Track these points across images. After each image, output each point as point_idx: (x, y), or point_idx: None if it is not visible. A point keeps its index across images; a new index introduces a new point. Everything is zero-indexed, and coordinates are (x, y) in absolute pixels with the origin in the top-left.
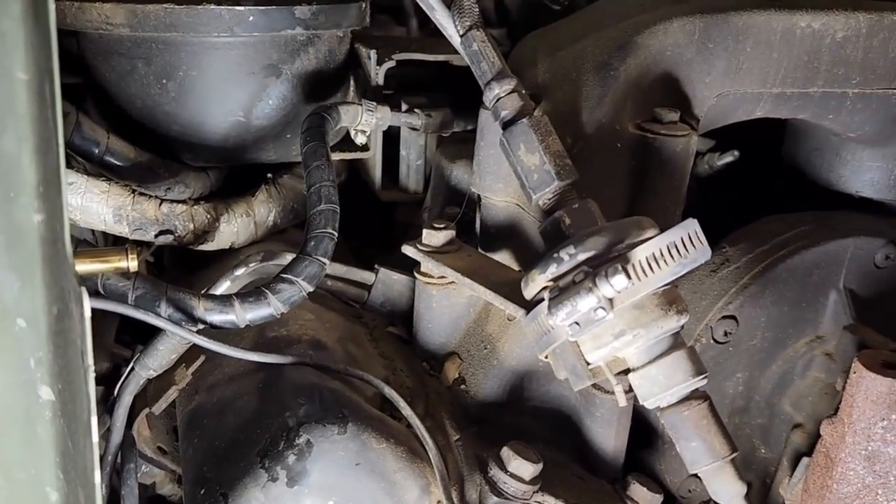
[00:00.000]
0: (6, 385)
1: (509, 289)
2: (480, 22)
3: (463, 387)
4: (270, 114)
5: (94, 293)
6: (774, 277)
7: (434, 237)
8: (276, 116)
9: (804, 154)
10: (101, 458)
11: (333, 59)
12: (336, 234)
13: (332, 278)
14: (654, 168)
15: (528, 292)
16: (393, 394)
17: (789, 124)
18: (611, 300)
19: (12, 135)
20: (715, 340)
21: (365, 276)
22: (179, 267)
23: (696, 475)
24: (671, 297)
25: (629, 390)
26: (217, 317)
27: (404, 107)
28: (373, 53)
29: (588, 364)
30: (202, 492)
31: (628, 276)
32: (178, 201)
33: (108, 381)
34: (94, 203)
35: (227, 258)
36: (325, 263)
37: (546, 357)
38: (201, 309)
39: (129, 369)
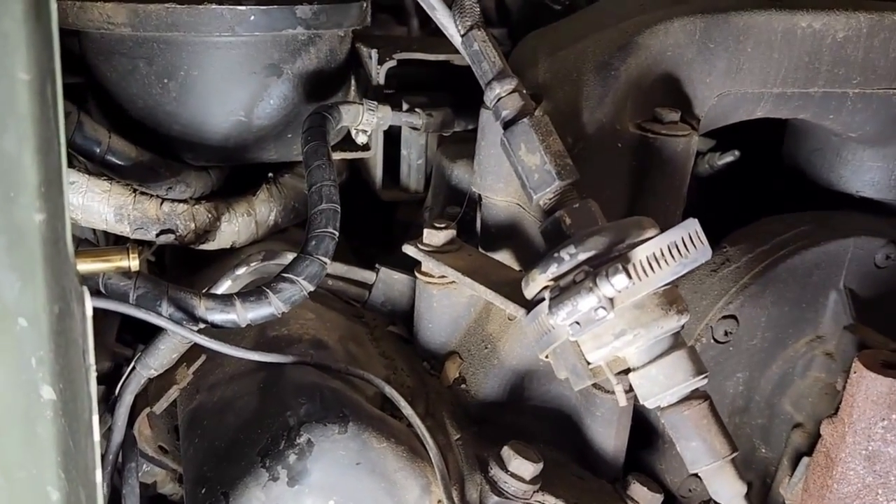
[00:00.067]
0: (7, 384)
1: (510, 288)
2: (481, 21)
3: (463, 386)
4: (271, 113)
5: (95, 292)
6: (775, 277)
7: (435, 237)
8: (277, 116)
9: (805, 154)
10: (103, 458)
11: (334, 59)
12: (337, 233)
13: (332, 278)
14: (655, 168)
15: (529, 292)
16: (393, 393)
17: (790, 124)
18: (611, 300)
19: (13, 135)
20: (715, 340)
21: (366, 275)
22: (181, 266)
23: (696, 475)
24: (672, 296)
25: (629, 390)
26: (218, 316)
27: (405, 106)
28: (374, 53)
29: (588, 364)
30: (203, 491)
31: (629, 276)
32: (180, 200)
33: (109, 380)
34: (95, 202)
35: (228, 257)
36: (326, 263)
37: (546, 357)
38: (202, 308)
39: (130, 368)
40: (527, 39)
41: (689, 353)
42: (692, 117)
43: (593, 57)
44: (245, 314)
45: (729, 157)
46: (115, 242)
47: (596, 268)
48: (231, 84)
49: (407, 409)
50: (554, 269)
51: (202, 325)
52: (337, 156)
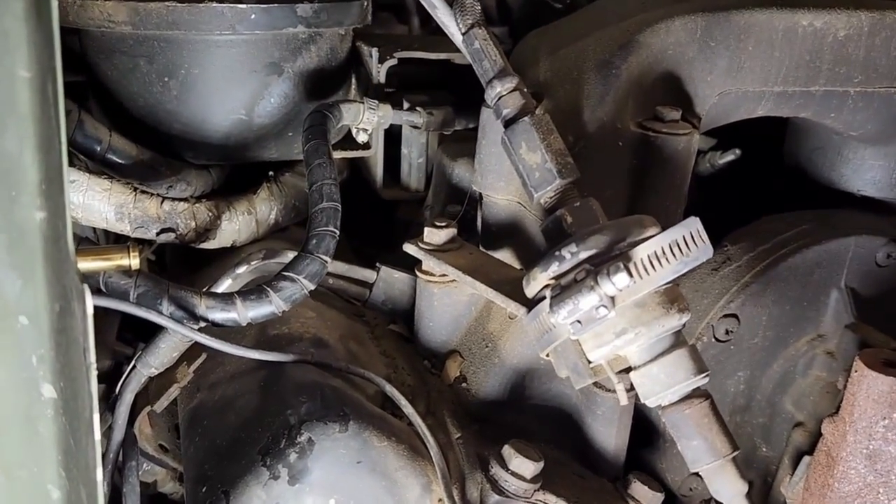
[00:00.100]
0: (8, 383)
1: (511, 287)
2: (482, 20)
3: (464, 385)
4: (272, 112)
5: (96, 291)
6: (776, 276)
7: (435, 235)
8: (277, 114)
9: (806, 153)
10: (103, 456)
11: (335, 58)
12: (338, 232)
13: (333, 276)
14: (656, 166)
15: (530, 290)
16: (394, 392)
17: (791, 123)
18: (612, 298)
19: (14, 133)
20: (716, 339)
21: (366, 274)
22: (181, 265)
23: (697, 474)
24: (673, 295)
25: (630, 389)
26: (219, 315)
27: (406, 105)
28: (374, 51)
29: (589, 362)
30: (203, 490)
31: (630, 275)
32: (180, 199)
33: (109, 379)
34: (95, 201)
35: (228, 256)
36: (326, 261)
37: (547, 355)
38: (203, 307)
39: (130, 367)
40: (528, 38)
41: (691, 352)
42: (693, 116)
43: (594, 55)
44: (246, 313)
45: (730, 156)
46: (116, 241)
47: (597, 266)
48: (232, 82)
49: (407, 408)
50: (555, 268)
51: (203, 324)
52: (337, 154)
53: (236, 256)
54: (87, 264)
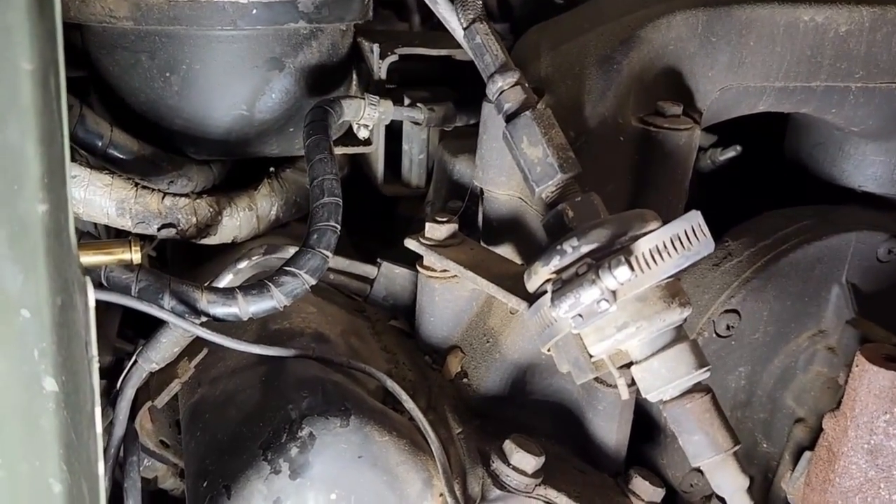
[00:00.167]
0: (10, 376)
1: (512, 282)
2: (483, 15)
3: (465, 380)
4: (273, 107)
5: (97, 285)
6: (777, 271)
7: (436, 231)
8: (278, 110)
9: (807, 149)
10: (104, 452)
11: (336, 53)
12: (339, 227)
13: (334, 272)
14: (657, 161)
15: (531, 285)
16: (395, 387)
17: (792, 119)
18: (614, 292)
19: (16, 126)
20: (717, 334)
21: (367, 269)
22: (182, 261)
23: (698, 469)
24: (674, 289)
25: (632, 384)
26: (220, 309)
27: (407, 101)
28: (375, 47)
29: (591, 357)
30: (205, 484)
31: (632, 268)
32: (181, 195)
33: (110, 374)
34: (97, 196)
35: (229, 252)
36: (327, 256)
37: (549, 350)
38: (204, 301)
39: (131, 362)
40: (529, 34)
41: (692, 347)
42: (694, 111)
43: (595, 51)
44: (247, 307)
45: (731, 153)
46: (117, 237)
47: (598, 260)
48: (233, 78)
49: (408, 403)
50: (556, 262)
51: (204, 319)
52: (338, 150)
53: (237, 252)
54: (88, 258)
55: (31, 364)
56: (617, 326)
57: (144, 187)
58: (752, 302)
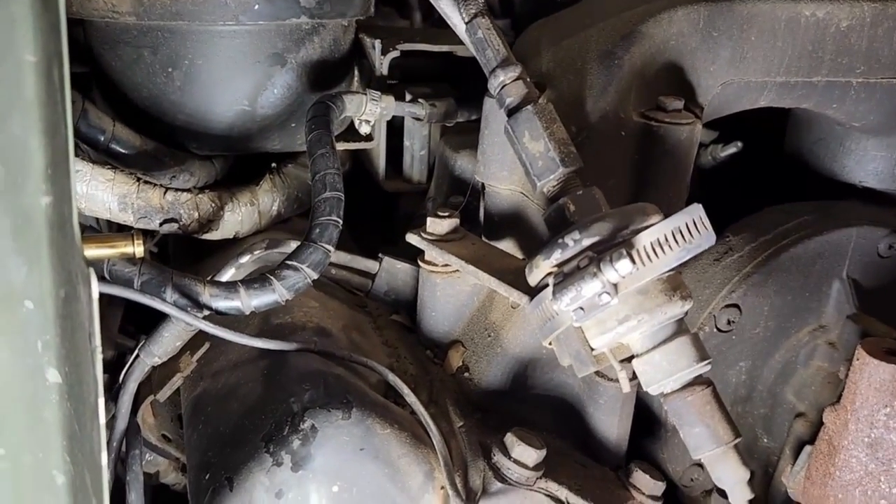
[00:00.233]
0: (13, 368)
1: (513, 276)
2: (485, 9)
3: (466, 375)
4: (275, 103)
5: (99, 279)
6: (778, 266)
7: (438, 225)
8: (280, 105)
9: (808, 144)
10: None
11: (338, 49)
12: (341, 221)
13: (336, 267)
14: (659, 156)
15: (533, 278)
16: (397, 380)
17: (793, 114)
18: (615, 285)
19: (20, 118)
20: (718, 329)
21: (369, 264)
22: (184, 256)
23: (698, 464)
24: (675, 282)
25: (633, 377)
26: (222, 303)
27: (408, 97)
28: (377, 43)
29: (592, 350)
30: (207, 477)
31: (633, 261)
32: (183, 190)
33: (112, 370)
34: (99, 191)
35: (231, 247)
36: (329, 251)
37: (550, 344)
38: (206, 295)
39: (133, 356)
40: (530, 30)
41: (693, 340)
42: (696, 106)
43: (597, 46)
44: (249, 301)
45: (732, 149)
46: (119, 232)
47: (600, 253)
48: (235, 73)
49: (410, 397)
50: (558, 255)
51: (206, 312)
52: (340, 146)
53: (239, 247)
54: (91, 252)
55: (35, 355)
56: (618, 319)
57: (146, 182)
58: (752, 297)
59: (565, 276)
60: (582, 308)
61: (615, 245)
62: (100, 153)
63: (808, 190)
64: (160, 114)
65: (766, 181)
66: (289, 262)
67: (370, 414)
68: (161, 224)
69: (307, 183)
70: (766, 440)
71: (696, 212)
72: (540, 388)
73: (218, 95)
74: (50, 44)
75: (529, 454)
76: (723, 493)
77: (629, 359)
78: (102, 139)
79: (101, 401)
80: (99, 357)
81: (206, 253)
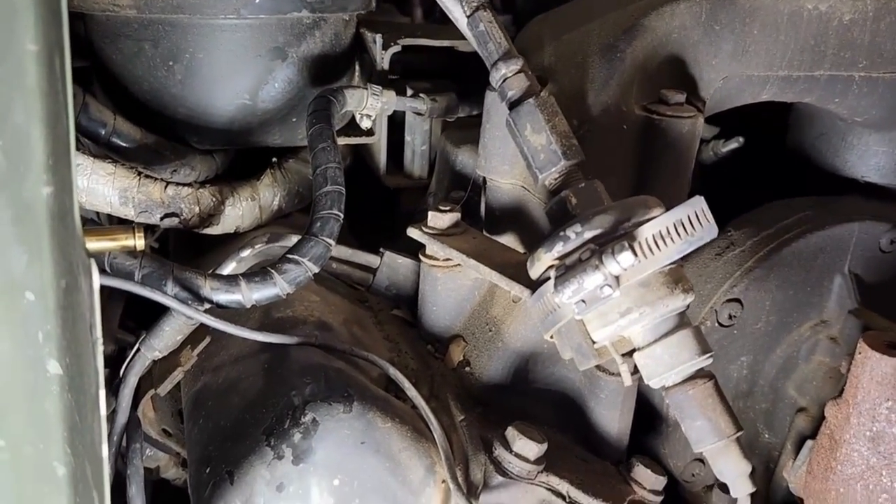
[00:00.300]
0: (14, 359)
1: (515, 270)
2: (487, 2)
3: (467, 369)
4: (276, 97)
5: (100, 271)
6: (779, 261)
7: (439, 220)
8: (281, 99)
9: (810, 139)
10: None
11: (339, 43)
12: (342, 215)
13: (337, 261)
14: (661, 149)
15: (535, 271)
16: (398, 374)
17: (795, 109)
18: (617, 278)
19: (21, 107)
20: (720, 324)
21: (370, 259)
22: (185, 251)
23: (700, 459)
24: (677, 275)
25: (634, 370)
26: (223, 296)
27: (409, 91)
28: (378, 38)
29: (594, 343)
30: (207, 470)
31: (635, 254)
32: (184, 184)
33: (113, 364)
34: (99, 185)
35: (232, 242)
36: (330, 244)
37: (551, 337)
38: (207, 288)
39: (134, 350)
40: (531, 24)
41: (695, 333)
42: (698, 99)
43: (599, 40)
44: (250, 294)
45: (733, 144)
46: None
47: (602, 246)
48: (236, 67)
49: (411, 391)
50: (560, 248)
51: (207, 306)
52: (341, 141)
53: (240, 241)
54: (92, 244)
55: (36, 347)
56: (620, 312)
57: (147, 176)
58: (754, 291)
59: (567, 269)
60: (584, 301)
61: (617, 237)
62: (101, 147)
63: (810, 185)
64: (161, 107)
65: (767, 176)
66: (290, 256)
67: (371, 407)
68: (162, 218)
69: (308, 178)
70: (767, 435)
71: (699, 204)
72: (541, 383)
73: (219, 89)
74: (51, 33)
75: (531, 448)
76: (724, 487)
77: (631, 352)
78: (103, 133)
79: (102, 392)
80: (100, 348)
81: (206, 248)
